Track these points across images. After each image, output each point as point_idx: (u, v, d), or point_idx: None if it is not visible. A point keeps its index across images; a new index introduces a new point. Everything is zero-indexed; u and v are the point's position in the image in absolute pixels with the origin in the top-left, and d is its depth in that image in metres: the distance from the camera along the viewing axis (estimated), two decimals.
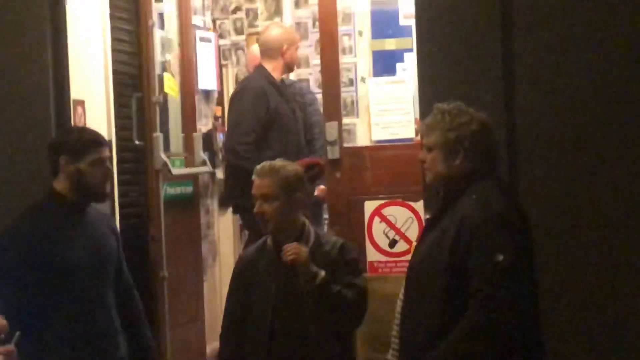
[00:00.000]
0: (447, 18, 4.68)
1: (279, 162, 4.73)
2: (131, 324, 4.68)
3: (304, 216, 4.75)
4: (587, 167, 4.52)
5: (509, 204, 3.94)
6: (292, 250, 4.51)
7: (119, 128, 6.21)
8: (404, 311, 4.05)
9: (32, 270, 4.37)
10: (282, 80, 6.86)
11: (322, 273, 4.51)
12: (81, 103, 5.66)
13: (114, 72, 6.19)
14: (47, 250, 4.42)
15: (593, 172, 4.50)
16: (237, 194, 6.52)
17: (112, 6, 6.20)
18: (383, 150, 7.68)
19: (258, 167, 4.71)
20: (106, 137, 5.86)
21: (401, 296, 4.13)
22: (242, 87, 6.90)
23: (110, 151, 5.93)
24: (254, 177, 4.68)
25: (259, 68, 6.85)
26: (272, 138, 6.47)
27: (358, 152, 7.53)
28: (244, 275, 4.72)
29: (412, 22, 8.23)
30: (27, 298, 4.35)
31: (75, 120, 5.51)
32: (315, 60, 9.10)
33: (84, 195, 4.56)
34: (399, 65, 8.71)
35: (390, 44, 8.69)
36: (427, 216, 4.68)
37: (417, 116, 8.00)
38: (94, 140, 4.66)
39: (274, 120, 6.52)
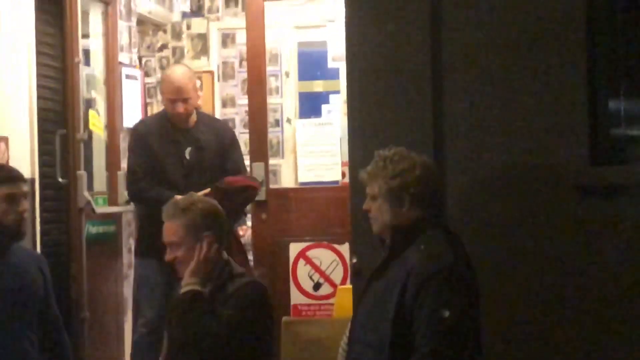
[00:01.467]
0: (378, 58, 4.66)
1: (187, 200, 4.37)
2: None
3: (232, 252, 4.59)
4: (519, 209, 4.52)
5: (457, 256, 3.86)
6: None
7: (43, 165, 6.12)
8: (348, 358, 3.97)
9: None
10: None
11: (195, 287, 4.20)
12: (4, 139, 5.58)
13: (39, 108, 6.11)
14: None
15: (524, 216, 4.51)
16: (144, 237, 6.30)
17: (38, 42, 6.14)
18: (309, 192, 7.64)
19: (164, 207, 4.35)
20: (29, 174, 5.81)
21: (343, 344, 4.07)
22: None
23: (33, 189, 5.84)
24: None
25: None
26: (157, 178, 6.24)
27: (284, 194, 7.49)
28: None
29: (340, 65, 8.28)
30: None
31: None
32: (241, 100, 9.09)
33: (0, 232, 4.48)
34: (324, 107, 8.73)
35: (317, 86, 8.71)
36: (354, 260, 4.64)
37: (344, 159, 8.04)
38: (8, 175, 4.57)
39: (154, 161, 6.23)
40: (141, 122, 6.70)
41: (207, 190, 5.81)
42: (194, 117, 6.23)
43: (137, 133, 6.25)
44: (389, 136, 4.52)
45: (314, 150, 8.27)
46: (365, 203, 3.99)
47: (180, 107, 6.09)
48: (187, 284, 4.19)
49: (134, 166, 6.16)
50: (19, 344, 4.54)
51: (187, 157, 6.14)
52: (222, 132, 6.38)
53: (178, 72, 6.20)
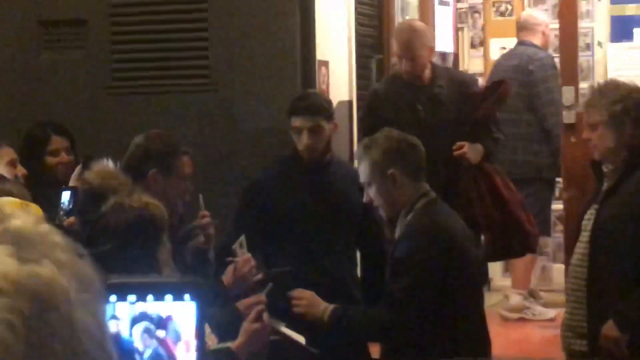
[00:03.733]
0: None
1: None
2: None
3: None
4: None
5: None
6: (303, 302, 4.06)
7: (359, 88, 6.32)
8: (593, 271, 4.08)
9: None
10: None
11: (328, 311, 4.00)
12: (325, 64, 5.81)
13: (357, 34, 6.28)
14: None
15: None
16: None
17: None
18: None
19: None
20: (347, 96, 6.06)
21: (576, 260, 4.21)
22: None
23: (350, 111, 6.10)
24: None
25: None
26: None
27: None
28: None
29: None
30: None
31: (319, 80, 5.69)
32: (552, 24, 9.00)
33: None
34: (636, 31, 8.52)
35: (630, 10, 8.51)
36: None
37: None
38: (297, 108, 4.69)
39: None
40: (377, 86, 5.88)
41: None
42: (428, 73, 5.42)
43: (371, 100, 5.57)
44: None
45: (627, 75, 8.12)
46: (584, 133, 4.18)
47: (408, 65, 5.35)
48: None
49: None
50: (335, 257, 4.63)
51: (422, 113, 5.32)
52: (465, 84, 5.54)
53: (404, 28, 5.59)
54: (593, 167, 4.33)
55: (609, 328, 3.97)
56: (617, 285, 4.02)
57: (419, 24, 5.68)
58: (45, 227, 1.09)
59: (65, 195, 4.29)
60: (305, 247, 4.56)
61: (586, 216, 4.21)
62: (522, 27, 7.65)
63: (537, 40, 7.52)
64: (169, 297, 2.16)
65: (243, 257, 3.96)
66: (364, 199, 4.08)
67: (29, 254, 1.04)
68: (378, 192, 3.98)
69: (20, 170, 4.53)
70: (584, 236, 4.18)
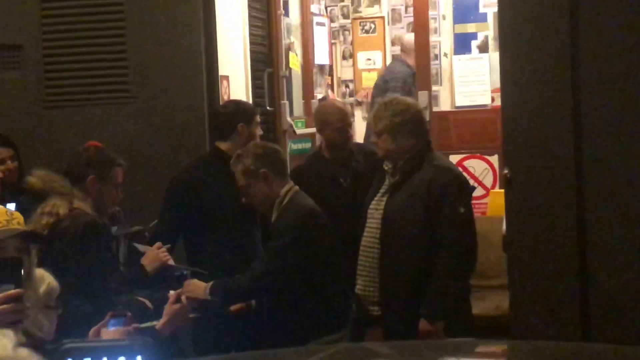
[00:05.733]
0: (524, 10, 4.61)
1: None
2: None
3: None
4: None
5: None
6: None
7: (255, 97, 6.26)
8: (385, 250, 4.14)
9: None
10: None
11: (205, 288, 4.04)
12: (226, 78, 5.72)
13: (251, 51, 6.20)
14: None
15: None
16: None
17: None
18: (464, 114, 7.64)
19: None
20: None
21: (366, 242, 4.22)
22: None
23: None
24: None
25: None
26: None
27: (444, 116, 7.51)
28: None
29: (488, 10, 8.16)
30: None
31: (221, 92, 5.59)
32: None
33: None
34: (473, 42, 8.63)
35: (470, 28, 8.60)
36: (505, 171, 4.68)
37: (493, 86, 7.97)
38: (253, 108, 4.76)
39: None
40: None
41: None
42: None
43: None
44: (532, 70, 4.52)
45: (467, 80, 8.23)
46: (372, 138, 4.40)
47: (341, 143, 4.89)
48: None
49: None
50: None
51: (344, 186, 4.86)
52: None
53: (336, 110, 4.96)
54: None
55: (423, 325, 4.00)
56: (406, 263, 4.08)
57: (345, 106, 5.20)
58: (24, 352, 0.98)
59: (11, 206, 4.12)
60: (231, 236, 4.46)
61: (372, 205, 4.24)
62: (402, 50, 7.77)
63: (410, 60, 7.64)
64: (122, 358, 2.03)
65: (157, 245, 4.02)
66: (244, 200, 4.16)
67: None
68: (254, 191, 4.09)
69: None
70: (373, 222, 4.21)
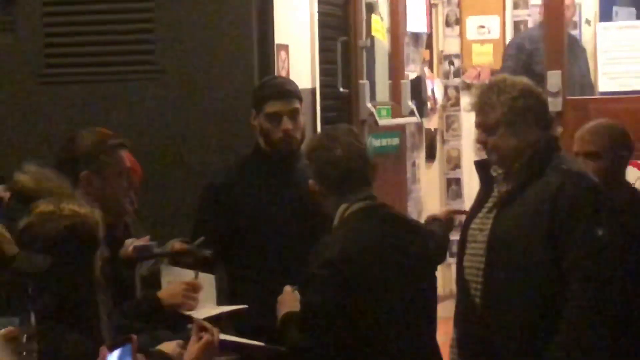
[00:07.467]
0: None
1: None
2: None
3: None
4: None
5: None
6: None
7: (323, 74, 6.26)
8: (490, 286, 4.07)
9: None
10: None
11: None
12: (284, 47, 5.75)
13: (319, 13, 6.21)
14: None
15: None
16: None
17: None
18: (611, 102, 7.53)
19: None
20: (309, 83, 5.98)
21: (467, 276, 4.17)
22: None
23: (313, 99, 6.04)
24: None
25: None
26: None
27: (583, 105, 7.41)
28: None
29: None
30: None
31: (278, 66, 5.62)
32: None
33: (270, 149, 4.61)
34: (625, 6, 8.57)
35: None
36: None
37: None
38: (277, 91, 4.66)
39: None
40: None
41: None
42: None
43: None
44: None
45: (617, 56, 8.13)
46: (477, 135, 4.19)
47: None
48: None
49: None
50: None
51: None
52: None
53: None
54: (478, 170, 4.28)
55: None
56: (519, 305, 4.01)
57: None
58: None
59: None
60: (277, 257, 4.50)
61: (474, 225, 4.17)
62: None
63: None
64: None
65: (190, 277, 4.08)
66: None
67: None
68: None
69: None
70: (474, 248, 4.14)
